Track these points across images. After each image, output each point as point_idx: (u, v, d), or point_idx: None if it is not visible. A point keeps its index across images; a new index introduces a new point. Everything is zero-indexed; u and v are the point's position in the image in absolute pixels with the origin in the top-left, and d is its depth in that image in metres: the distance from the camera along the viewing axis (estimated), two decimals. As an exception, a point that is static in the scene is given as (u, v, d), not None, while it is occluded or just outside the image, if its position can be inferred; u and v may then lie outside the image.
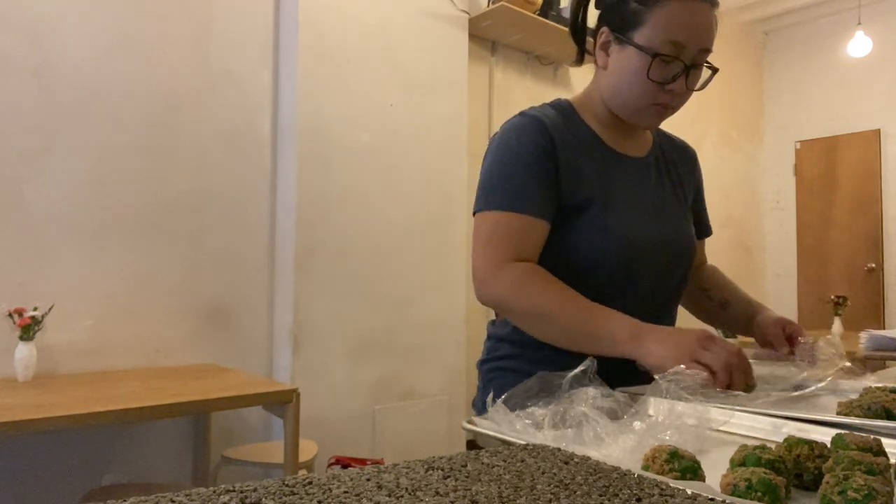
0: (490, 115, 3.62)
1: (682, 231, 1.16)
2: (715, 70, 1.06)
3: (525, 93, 3.82)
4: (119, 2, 2.36)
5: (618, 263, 1.04)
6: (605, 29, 1.07)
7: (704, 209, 1.32)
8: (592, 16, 1.13)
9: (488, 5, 3.37)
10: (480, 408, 1.09)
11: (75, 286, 2.24)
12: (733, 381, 0.84)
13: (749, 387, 0.89)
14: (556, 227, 1.05)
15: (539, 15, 3.44)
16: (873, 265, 5.14)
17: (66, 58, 2.24)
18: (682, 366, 0.81)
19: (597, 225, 1.04)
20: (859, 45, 4.65)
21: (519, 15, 3.32)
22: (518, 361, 1.10)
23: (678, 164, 1.23)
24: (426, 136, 3.02)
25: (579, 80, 4.13)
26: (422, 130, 3.01)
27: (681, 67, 1.01)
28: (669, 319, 1.17)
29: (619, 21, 1.04)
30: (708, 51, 1.03)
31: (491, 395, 0.84)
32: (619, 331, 0.93)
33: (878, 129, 5.16)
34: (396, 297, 2.88)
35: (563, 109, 1.13)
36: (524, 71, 3.83)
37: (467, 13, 3.23)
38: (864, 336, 2.92)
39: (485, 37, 3.55)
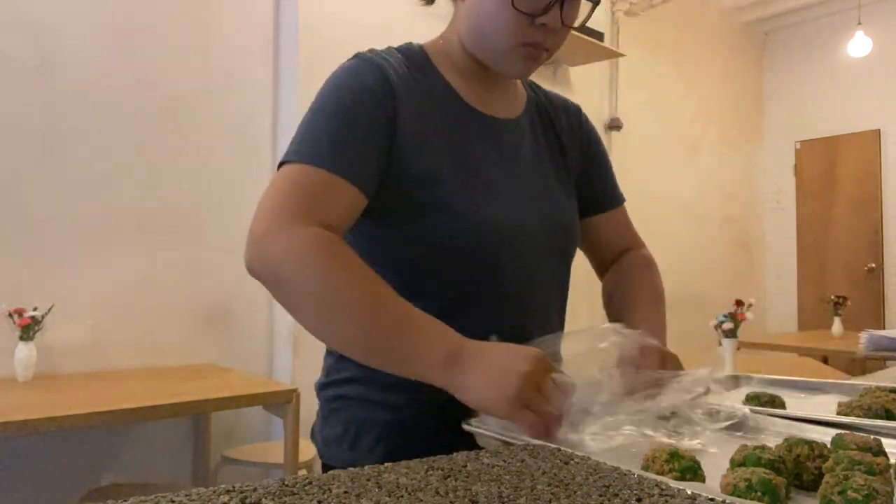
0: (490, 115, 3.62)
1: (559, 211, 0.93)
2: (596, 2, 0.85)
3: (525, 93, 3.82)
4: (119, 2, 2.36)
5: (475, 254, 0.83)
6: None
7: (607, 176, 1.05)
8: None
9: (488, 5, 3.37)
10: (322, 443, 0.91)
11: (75, 286, 2.24)
12: (550, 432, 0.65)
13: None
14: (392, 209, 0.82)
15: (539, 15, 3.43)
16: (873, 265, 5.14)
17: (66, 58, 2.24)
18: (509, 418, 0.66)
19: (447, 205, 0.82)
20: (859, 45, 4.64)
21: (519, 15, 3.32)
22: (367, 388, 0.86)
23: (560, 126, 0.99)
24: (426, 136, 3.02)
25: (579, 81, 4.13)
26: (422, 130, 3.01)
27: None
28: (553, 323, 0.93)
29: None
30: None
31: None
32: (432, 351, 0.70)
33: (878, 129, 5.16)
34: (396, 297, 2.88)
35: (414, 56, 0.90)
36: (524, 71, 3.82)
37: (467, 13, 3.23)
38: (864, 336, 2.93)
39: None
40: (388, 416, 0.85)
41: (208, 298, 2.53)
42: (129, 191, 2.36)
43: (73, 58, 2.26)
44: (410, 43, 0.94)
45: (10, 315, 2.01)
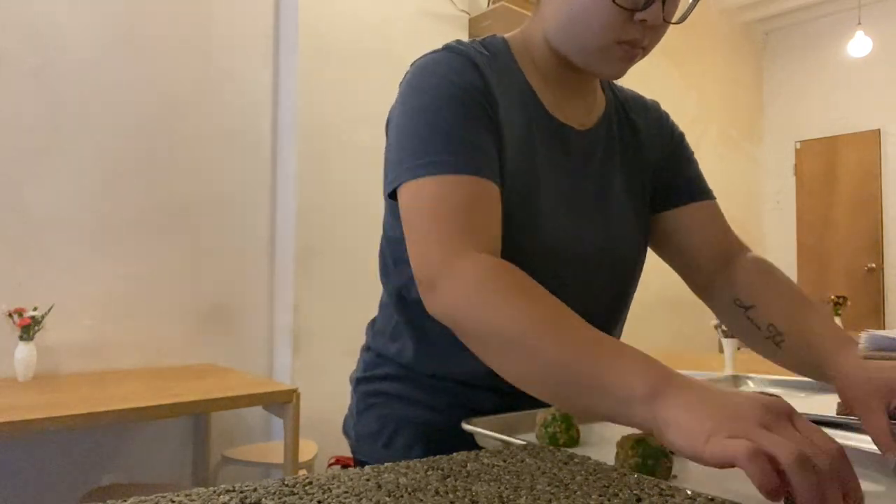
0: (490, 115, 3.62)
1: (627, 238, 0.87)
2: None
3: (525, 93, 3.82)
4: (119, 2, 2.36)
5: (539, 271, 0.69)
6: None
7: (692, 170, 0.95)
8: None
9: (488, 5, 3.37)
10: (355, 438, 0.89)
11: (75, 286, 2.24)
12: (826, 497, 0.43)
13: None
14: None
15: (539, 15, 3.44)
16: (873, 265, 5.14)
17: (66, 58, 2.24)
18: (723, 451, 0.45)
19: (518, 225, 0.76)
20: (859, 45, 4.65)
21: (519, 15, 3.32)
22: (406, 386, 0.84)
23: (641, 131, 0.92)
24: (426, 136, 3.02)
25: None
26: (422, 130, 3.01)
27: None
28: (615, 336, 0.87)
29: None
30: None
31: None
32: (634, 382, 0.53)
33: (878, 129, 5.16)
34: (396, 297, 2.88)
35: (497, 49, 0.83)
36: (524, 71, 3.83)
37: (467, 13, 3.23)
38: (864, 336, 2.92)
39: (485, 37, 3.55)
40: (427, 416, 0.82)
41: (208, 298, 2.53)
42: (128, 191, 2.36)
43: (73, 58, 2.26)
44: (494, 35, 0.86)
45: (10, 315, 2.01)
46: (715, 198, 0.93)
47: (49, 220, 2.20)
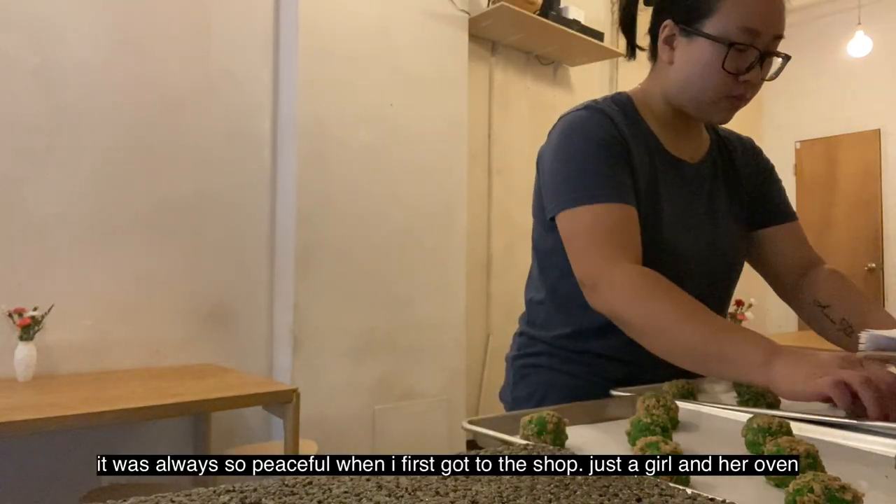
0: (490, 115, 3.62)
1: (730, 247, 1.09)
2: (788, 57, 1.02)
3: (525, 93, 3.82)
4: (119, 2, 2.36)
5: (663, 270, 0.94)
6: (668, 22, 1.00)
7: (779, 193, 1.18)
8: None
9: (488, 5, 3.37)
10: (511, 402, 1.14)
11: (75, 286, 2.24)
12: (891, 409, 0.68)
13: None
14: None
15: (539, 15, 3.44)
16: (873, 265, 5.14)
17: (66, 58, 2.24)
18: (815, 387, 0.71)
19: (648, 236, 0.96)
20: (859, 45, 4.65)
21: (519, 15, 3.32)
22: (552, 360, 1.09)
23: (738, 162, 1.15)
24: (426, 136, 3.02)
25: (579, 81, 4.13)
26: (422, 130, 3.01)
27: (756, 56, 0.96)
28: None
29: (686, 12, 0.98)
30: (781, 37, 0.98)
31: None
32: (752, 353, 0.79)
33: (878, 129, 5.16)
34: (396, 298, 2.88)
35: (624, 105, 1.06)
36: (524, 71, 3.83)
37: (467, 13, 3.23)
38: (864, 336, 2.92)
39: (485, 37, 3.55)
40: (570, 382, 1.06)
41: (208, 298, 2.53)
42: (129, 190, 2.36)
43: (73, 58, 2.26)
44: (620, 93, 1.09)
45: (10, 315, 2.01)
46: (797, 218, 1.17)
47: (49, 220, 2.20)
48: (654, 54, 1.07)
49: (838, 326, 1.04)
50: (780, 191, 1.18)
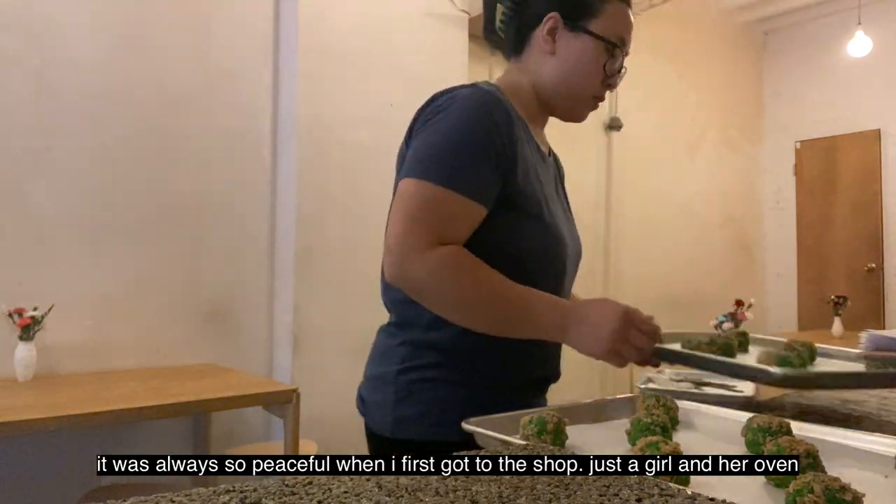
0: (490, 115, 3.62)
1: (579, 237, 1.17)
2: (625, 70, 1.08)
3: (525, 93, 3.82)
4: (120, 2, 2.36)
5: (552, 262, 1.04)
6: (554, 14, 1.03)
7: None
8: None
9: (488, 5, 3.37)
10: (392, 423, 1.01)
11: (75, 286, 2.24)
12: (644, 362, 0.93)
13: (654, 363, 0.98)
14: (498, 214, 0.97)
15: (539, 15, 3.43)
16: (873, 265, 5.14)
17: (67, 58, 2.24)
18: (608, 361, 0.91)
19: (541, 222, 1.01)
20: (859, 45, 4.65)
21: (519, 15, 3.32)
22: (448, 371, 0.99)
23: (559, 166, 1.23)
24: (426, 136, 3.02)
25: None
26: (422, 130, 3.00)
27: (622, 63, 1.05)
28: None
29: (573, 9, 1.02)
30: (628, 52, 1.07)
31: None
32: (544, 315, 0.92)
33: (878, 129, 5.16)
34: (396, 297, 2.87)
35: (500, 90, 1.05)
36: (524, 71, 3.83)
37: (467, 13, 3.23)
38: (863, 336, 2.92)
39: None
40: (468, 394, 0.98)
41: (208, 298, 2.53)
42: (129, 191, 2.36)
43: (74, 57, 2.26)
44: (487, 82, 1.07)
45: (10, 315, 2.01)
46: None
47: (49, 220, 2.20)
48: (518, 45, 1.08)
49: None
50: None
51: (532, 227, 1.00)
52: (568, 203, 1.18)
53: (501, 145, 0.95)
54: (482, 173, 0.94)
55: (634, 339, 0.89)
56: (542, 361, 1.06)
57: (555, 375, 1.11)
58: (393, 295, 1.06)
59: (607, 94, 1.07)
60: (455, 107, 0.96)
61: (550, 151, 1.16)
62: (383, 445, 1.04)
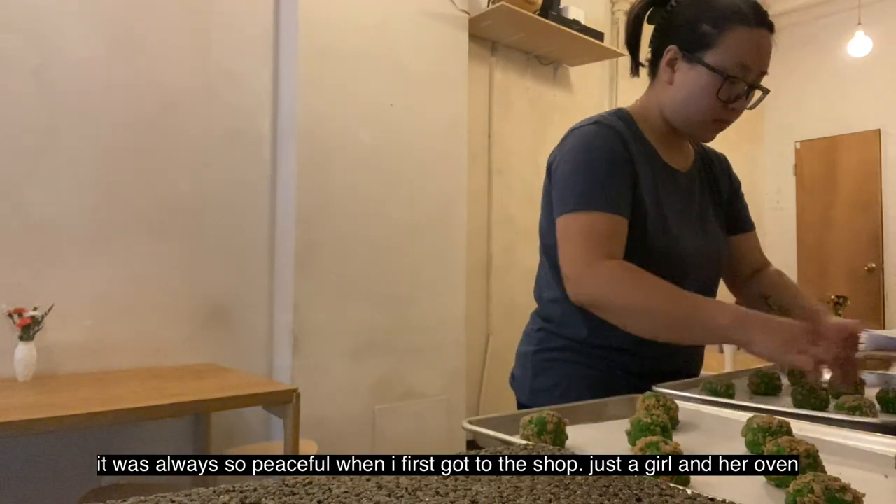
0: (490, 115, 3.62)
1: (721, 243, 1.26)
2: (767, 91, 1.13)
3: (525, 93, 3.82)
4: (119, 2, 2.36)
5: (665, 265, 1.10)
6: (673, 47, 1.13)
7: (745, 206, 1.38)
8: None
9: (488, 5, 3.37)
10: (529, 393, 1.23)
11: (75, 286, 2.24)
12: (846, 376, 0.89)
13: (858, 385, 0.99)
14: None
15: (539, 15, 3.44)
16: (873, 265, 5.14)
17: (66, 58, 2.24)
18: (796, 362, 0.87)
19: (651, 241, 1.12)
20: (859, 45, 4.65)
21: (519, 15, 3.32)
22: (574, 354, 1.19)
23: (717, 173, 1.32)
24: (426, 136, 3.02)
25: (579, 80, 4.13)
26: (422, 130, 3.01)
27: (744, 88, 1.10)
28: None
29: (690, 41, 1.11)
30: (765, 73, 1.11)
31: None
32: (721, 317, 0.94)
33: (878, 129, 5.16)
34: (396, 297, 2.88)
35: (626, 120, 1.19)
36: (524, 71, 3.83)
37: (467, 13, 3.23)
38: (864, 336, 2.92)
39: (485, 37, 3.55)
40: (592, 374, 1.17)
41: (208, 298, 2.53)
42: (128, 191, 2.36)
43: (73, 57, 2.26)
44: (621, 109, 1.22)
45: (10, 315, 2.01)
46: (755, 227, 1.38)
47: (49, 220, 2.20)
48: (653, 71, 1.20)
49: (776, 310, 1.22)
50: (745, 204, 1.39)
51: (644, 247, 1.11)
52: (721, 209, 1.30)
53: (623, 162, 1.11)
54: (614, 188, 1.09)
55: (825, 343, 0.88)
56: (668, 355, 1.17)
57: (687, 368, 1.24)
58: (539, 293, 1.27)
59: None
60: (580, 144, 1.13)
61: (695, 165, 1.26)
62: None
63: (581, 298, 1.06)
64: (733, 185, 1.37)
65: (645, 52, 1.22)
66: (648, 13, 1.19)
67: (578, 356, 1.18)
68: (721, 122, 1.13)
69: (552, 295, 1.22)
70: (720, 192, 1.31)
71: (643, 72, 1.23)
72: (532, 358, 1.24)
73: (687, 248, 1.15)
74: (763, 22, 1.08)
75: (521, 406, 1.27)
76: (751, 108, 1.14)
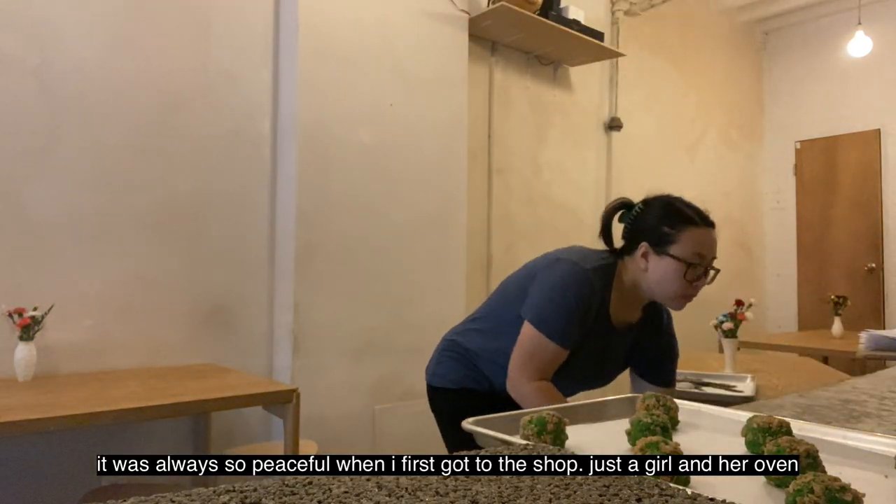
0: (490, 115, 3.62)
1: (610, 376, 1.65)
2: (718, 270, 1.47)
3: (525, 93, 3.82)
4: (119, 2, 2.36)
5: (582, 381, 1.60)
6: (644, 244, 1.47)
7: (670, 360, 1.68)
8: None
9: (488, 5, 3.37)
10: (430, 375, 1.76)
11: (75, 286, 2.24)
12: None
13: None
14: None
15: (539, 15, 3.43)
16: (873, 265, 5.14)
17: (66, 58, 2.24)
18: None
19: (583, 364, 1.53)
20: (859, 45, 4.65)
21: (519, 15, 3.32)
22: (470, 360, 1.65)
23: (652, 328, 1.64)
24: (426, 136, 3.02)
25: (579, 80, 4.13)
26: (422, 130, 3.01)
27: (703, 270, 1.45)
28: None
29: (657, 239, 1.45)
30: (715, 258, 1.46)
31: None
32: None
33: (878, 129, 5.16)
34: (396, 297, 2.88)
35: (608, 275, 1.52)
36: (524, 71, 3.83)
37: (467, 13, 3.23)
38: (863, 336, 2.92)
39: (485, 37, 3.55)
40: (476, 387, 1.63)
41: (208, 298, 2.53)
42: (128, 191, 2.36)
43: (73, 57, 2.26)
44: (612, 265, 1.54)
45: (10, 315, 2.01)
46: (671, 386, 1.71)
47: (49, 220, 2.20)
48: (628, 250, 1.52)
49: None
50: (671, 359, 1.68)
51: (572, 354, 1.49)
52: (633, 352, 1.64)
53: (586, 312, 1.46)
54: (574, 330, 1.45)
55: None
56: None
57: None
58: (496, 330, 1.60)
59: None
60: (562, 282, 1.47)
61: (634, 326, 1.59)
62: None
63: (511, 392, 1.46)
64: (661, 340, 1.66)
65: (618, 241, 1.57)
66: (618, 215, 1.55)
67: (472, 363, 1.65)
68: (688, 297, 1.46)
69: (498, 345, 1.55)
70: (643, 343, 1.63)
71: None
72: (444, 351, 1.73)
73: (583, 368, 1.54)
74: (707, 222, 1.46)
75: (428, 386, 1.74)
76: (709, 284, 1.48)
